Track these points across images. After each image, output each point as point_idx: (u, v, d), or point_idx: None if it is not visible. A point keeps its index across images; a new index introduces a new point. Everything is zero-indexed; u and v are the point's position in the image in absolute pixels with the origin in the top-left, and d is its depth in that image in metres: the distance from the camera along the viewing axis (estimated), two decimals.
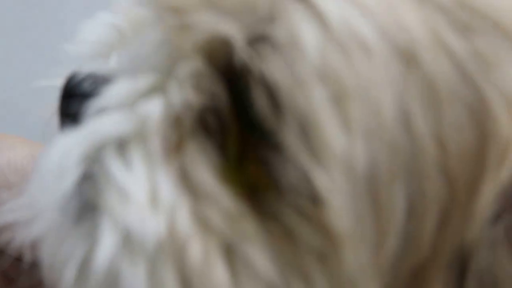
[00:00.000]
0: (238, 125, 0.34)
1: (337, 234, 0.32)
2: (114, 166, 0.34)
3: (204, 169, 0.34)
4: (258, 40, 0.33)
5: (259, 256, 0.32)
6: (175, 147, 0.34)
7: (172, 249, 0.33)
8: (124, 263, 0.33)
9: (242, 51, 0.33)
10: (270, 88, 0.32)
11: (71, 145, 0.35)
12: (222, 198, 0.33)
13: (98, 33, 0.42)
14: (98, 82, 0.37)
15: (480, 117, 0.32)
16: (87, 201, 0.34)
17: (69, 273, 0.34)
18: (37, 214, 0.35)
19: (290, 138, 0.32)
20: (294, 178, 0.32)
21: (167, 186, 0.34)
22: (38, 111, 0.43)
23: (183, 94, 0.34)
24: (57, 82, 0.42)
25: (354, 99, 0.31)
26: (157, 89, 0.35)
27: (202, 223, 0.33)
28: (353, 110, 0.31)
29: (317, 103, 0.31)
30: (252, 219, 0.33)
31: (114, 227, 0.33)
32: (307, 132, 0.32)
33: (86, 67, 0.38)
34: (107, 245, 0.33)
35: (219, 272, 0.33)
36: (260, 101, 0.33)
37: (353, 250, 0.32)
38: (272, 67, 0.32)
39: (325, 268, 0.33)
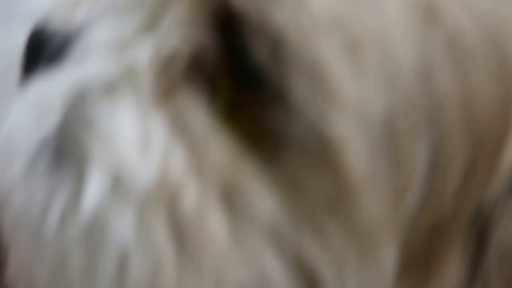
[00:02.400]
0: (230, 76, 0.33)
1: (352, 182, 0.31)
2: (102, 109, 0.32)
3: (198, 114, 0.32)
4: None
5: (262, 202, 0.31)
6: (165, 93, 0.32)
7: (164, 196, 0.31)
8: (112, 211, 0.31)
9: None
10: (273, 36, 0.31)
11: (52, 88, 0.32)
12: (220, 144, 0.32)
13: None
14: (78, 27, 0.34)
15: (503, 76, 0.32)
16: (68, 147, 0.32)
17: (51, 222, 0.31)
18: (10, 159, 0.32)
19: (296, 88, 0.31)
20: (300, 129, 0.31)
21: (159, 130, 0.32)
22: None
23: (173, 39, 0.33)
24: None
25: (369, 48, 0.30)
26: (146, 34, 0.33)
27: (198, 168, 0.31)
28: (367, 59, 0.30)
29: (328, 51, 0.30)
30: (253, 164, 0.32)
31: (102, 172, 0.31)
32: (316, 81, 0.30)
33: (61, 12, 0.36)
34: (94, 190, 0.31)
35: (216, 219, 0.31)
36: (259, 51, 0.31)
37: (369, 199, 0.31)
38: (277, 14, 0.30)
39: (339, 219, 0.31)
